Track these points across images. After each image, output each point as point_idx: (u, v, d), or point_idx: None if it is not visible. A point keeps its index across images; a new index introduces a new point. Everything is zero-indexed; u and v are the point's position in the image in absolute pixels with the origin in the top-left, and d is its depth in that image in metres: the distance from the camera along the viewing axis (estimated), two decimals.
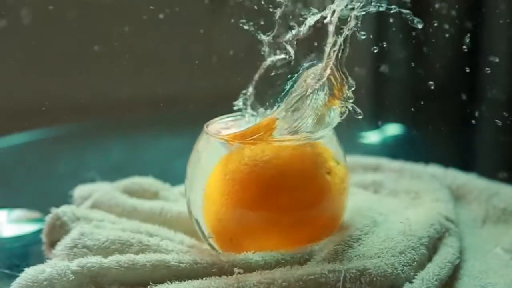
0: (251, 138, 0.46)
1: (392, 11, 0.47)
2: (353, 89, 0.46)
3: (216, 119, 0.50)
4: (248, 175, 0.45)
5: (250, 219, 0.45)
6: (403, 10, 0.48)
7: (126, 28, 0.83)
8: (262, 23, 0.49)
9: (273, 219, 0.45)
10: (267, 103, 0.50)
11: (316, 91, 0.46)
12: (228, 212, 0.46)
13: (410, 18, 0.48)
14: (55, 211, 0.51)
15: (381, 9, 0.47)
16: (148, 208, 0.54)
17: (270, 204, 0.45)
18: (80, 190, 0.57)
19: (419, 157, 0.65)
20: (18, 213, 0.59)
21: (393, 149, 0.77)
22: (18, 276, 0.43)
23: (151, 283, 0.43)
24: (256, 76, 0.51)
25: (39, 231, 0.52)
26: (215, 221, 0.47)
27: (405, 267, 0.44)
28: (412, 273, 0.44)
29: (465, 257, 0.50)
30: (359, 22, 0.46)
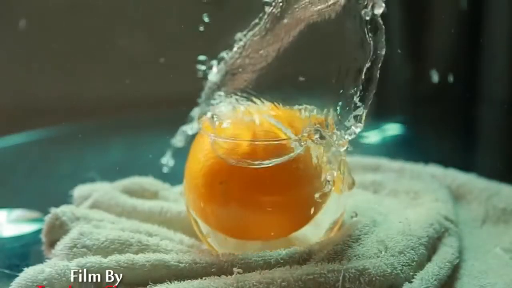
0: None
1: None
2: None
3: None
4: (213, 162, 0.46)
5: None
6: None
7: (126, 28, 0.83)
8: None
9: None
10: None
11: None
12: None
13: None
14: (54, 211, 0.51)
15: None
16: (147, 208, 0.54)
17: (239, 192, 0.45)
18: (80, 190, 0.57)
19: (419, 157, 0.65)
20: (18, 213, 0.59)
21: (393, 149, 0.77)
22: (17, 276, 0.43)
23: (150, 283, 0.43)
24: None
25: (38, 231, 0.52)
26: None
27: (404, 267, 0.44)
28: (411, 273, 0.44)
29: (465, 257, 0.50)
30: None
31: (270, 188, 0.45)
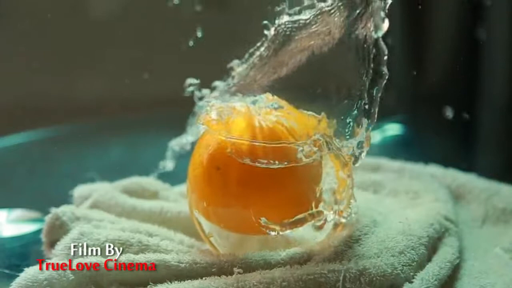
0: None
1: None
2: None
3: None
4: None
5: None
6: None
7: (126, 28, 0.83)
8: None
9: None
10: None
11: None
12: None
13: None
14: (54, 211, 0.51)
15: None
16: (147, 208, 0.54)
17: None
18: (80, 190, 0.57)
19: (419, 157, 0.65)
20: (18, 213, 0.59)
21: (393, 149, 0.77)
22: (18, 276, 0.43)
23: (150, 283, 0.43)
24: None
25: (39, 231, 0.52)
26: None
27: (404, 267, 0.44)
28: (411, 273, 0.44)
29: (465, 257, 0.50)
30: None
31: (267, 178, 0.45)
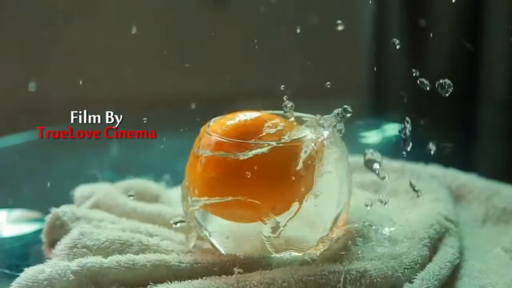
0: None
1: None
2: None
3: (216, 118, 0.49)
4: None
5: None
6: None
7: (126, 28, 0.83)
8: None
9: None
10: None
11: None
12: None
13: None
14: (55, 211, 0.51)
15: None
16: (148, 209, 0.54)
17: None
18: (81, 190, 0.57)
19: (419, 157, 0.65)
20: (18, 213, 0.59)
21: (393, 149, 0.77)
22: (18, 276, 0.43)
23: (150, 283, 0.43)
24: None
25: (39, 231, 0.52)
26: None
27: (405, 269, 0.44)
28: (412, 274, 0.44)
29: (465, 257, 0.50)
30: None
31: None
